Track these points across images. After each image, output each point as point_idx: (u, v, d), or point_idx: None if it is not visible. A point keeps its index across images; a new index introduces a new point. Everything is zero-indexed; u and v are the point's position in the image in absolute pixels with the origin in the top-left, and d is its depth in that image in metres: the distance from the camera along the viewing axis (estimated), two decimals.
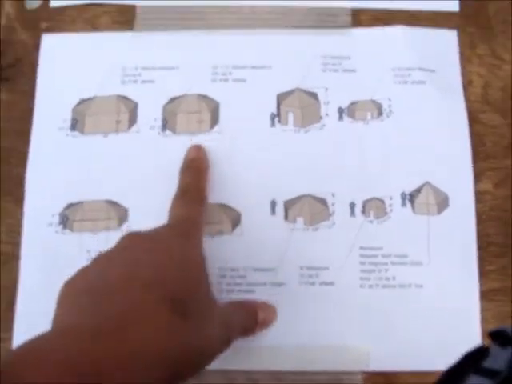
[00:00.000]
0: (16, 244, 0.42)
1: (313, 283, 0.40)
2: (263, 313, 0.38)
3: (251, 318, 0.37)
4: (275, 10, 0.46)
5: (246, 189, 0.42)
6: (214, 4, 0.46)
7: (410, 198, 0.42)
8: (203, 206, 0.38)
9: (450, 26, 0.45)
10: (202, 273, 0.33)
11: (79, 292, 0.28)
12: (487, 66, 0.45)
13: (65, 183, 0.42)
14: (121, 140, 0.43)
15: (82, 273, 0.30)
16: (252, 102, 0.43)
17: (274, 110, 0.43)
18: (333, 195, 0.42)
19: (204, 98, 0.43)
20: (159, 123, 0.43)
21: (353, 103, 0.43)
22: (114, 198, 0.42)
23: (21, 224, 0.42)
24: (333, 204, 0.41)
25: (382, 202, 0.41)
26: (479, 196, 0.42)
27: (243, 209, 0.41)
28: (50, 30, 0.46)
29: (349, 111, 0.43)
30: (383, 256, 0.41)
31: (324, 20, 0.45)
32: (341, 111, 0.43)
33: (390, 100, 0.43)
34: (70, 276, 0.30)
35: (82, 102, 0.44)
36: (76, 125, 0.43)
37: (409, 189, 0.42)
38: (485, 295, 0.40)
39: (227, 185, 0.42)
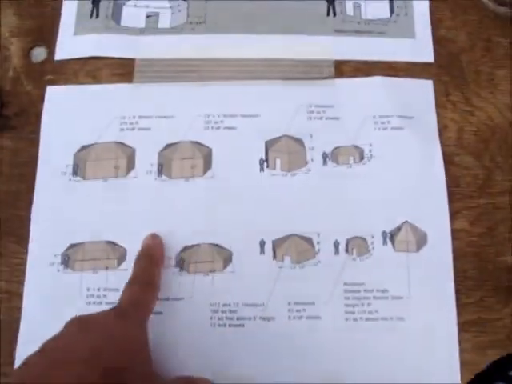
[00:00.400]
0: (19, 282, 0.44)
1: (300, 317, 0.42)
2: None
3: None
4: (264, 62, 0.48)
5: (236, 229, 0.44)
6: (207, 58, 0.48)
7: (391, 236, 0.44)
8: (154, 291, 0.41)
9: (425, 76, 0.48)
10: (141, 349, 0.36)
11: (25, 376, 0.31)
12: (461, 112, 0.48)
13: (67, 225, 0.45)
14: (120, 184, 0.45)
15: (30, 359, 0.32)
16: (242, 148, 0.46)
17: (263, 156, 0.46)
18: (318, 235, 0.44)
19: (197, 144, 0.46)
20: (155, 168, 0.45)
21: (336, 148, 0.46)
22: (114, 239, 0.44)
23: (24, 263, 0.44)
24: (318, 243, 0.44)
25: (365, 240, 0.44)
26: (455, 233, 0.44)
27: (234, 248, 0.44)
28: (53, 81, 0.48)
29: (332, 156, 0.46)
30: (366, 291, 0.43)
31: (309, 71, 0.48)
32: (325, 156, 0.46)
33: (371, 145, 0.46)
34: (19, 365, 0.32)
35: (83, 148, 0.46)
36: (77, 170, 0.46)
37: (389, 228, 0.44)
38: (462, 327, 0.42)
39: (219, 226, 0.44)
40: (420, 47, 0.49)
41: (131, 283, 0.40)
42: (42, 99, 0.48)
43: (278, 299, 0.43)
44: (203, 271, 0.43)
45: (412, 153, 0.46)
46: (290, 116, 0.47)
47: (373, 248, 0.44)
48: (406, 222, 0.44)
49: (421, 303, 0.43)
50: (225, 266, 0.43)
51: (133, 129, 0.47)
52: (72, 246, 0.44)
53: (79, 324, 0.35)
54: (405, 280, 0.43)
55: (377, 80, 0.48)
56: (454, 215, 0.45)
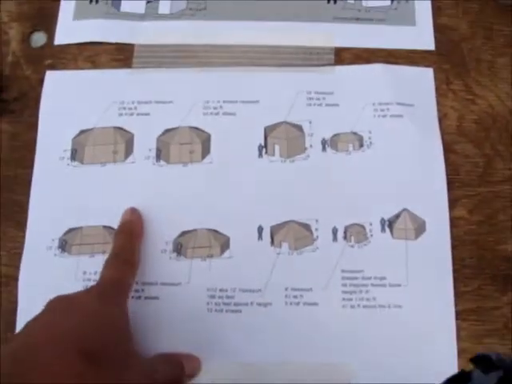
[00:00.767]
0: (17, 267, 0.44)
1: (297, 303, 0.42)
2: (188, 364, 0.40)
3: (176, 369, 0.39)
4: (264, 48, 0.48)
5: (234, 215, 0.44)
6: (207, 43, 0.48)
7: (389, 223, 0.44)
8: (133, 268, 0.41)
9: (426, 64, 0.48)
10: (120, 327, 0.36)
11: (5, 356, 0.31)
12: (461, 100, 0.47)
13: (65, 210, 0.45)
14: (118, 169, 0.45)
15: (13, 337, 0.34)
16: (241, 134, 0.46)
17: (262, 142, 0.46)
18: (316, 221, 0.44)
19: (196, 130, 0.46)
20: (153, 154, 0.45)
21: (335, 135, 0.46)
22: (111, 224, 0.44)
23: (22, 248, 0.44)
24: (316, 229, 0.44)
25: (363, 227, 0.44)
26: (454, 221, 0.44)
27: (232, 234, 0.44)
28: (53, 66, 0.49)
29: (331, 143, 0.46)
30: (363, 278, 0.43)
31: (309, 58, 0.48)
32: (324, 143, 0.46)
33: (370, 132, 0.46)
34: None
35: (82, 133, 0.46)
36: (76, 155, 0.46)
37: (388, 215, 0.44)
38: (460, 315, 0.42)
39: (217, 211, 0.44)
40: (421, 35, 0.49)
41: (111, 261, 0.40)
42: (41, 84, 0.48)
43: (275, 285, 0.43)
44: (200, 256, 0.43)
45: (411, 140, 0.46)
46: (290, 102, 0.47)
47: (371, 235, 0.44)
48: (405, 209, 0.44)
49: (419, 291, 0.43)
50: (222, 252, 0.43)
51: (131, 114, 0.47)
52: (70, 230, 0.44)
53: (59, 304, 0.35)
54: (403, 267, 0.43)
55: (377, 67, 0.48)
56: (453, 203, 0.45)
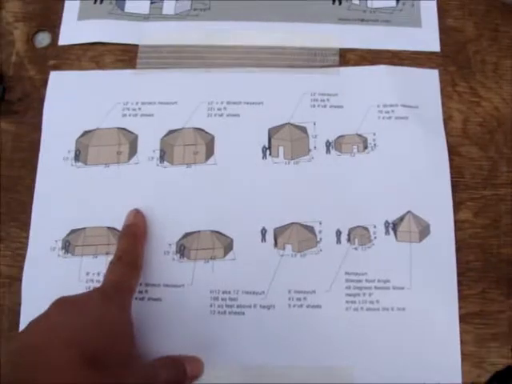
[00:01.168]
0: (20, 267, 0.44)
1: (300, 306, 0.42)
2: (191, 366, 0.39)
3: (179, 372, 0.38)
4: (268, 50, 0.48)
5: (238, 217, 0.44)
6: (211, 44, 0.48)
7: (393, 226, 0.44)
8: (137, 271, 0.41)
9: (431, 65, 0.48)
10: (123, 331, 0.36)
11: (5, 352, 0.31)
12: (466, 102, 0.47)
13: (68, 210, 0.45)
14: (122, 170, 0.45)
15: (14, 340, 0.33)
16: (245, 136, 0.46)
17: (266, 144, 0.46)
18: (320, 223, 0.44)
19: (200, 131, 0.46)
20: (157, 155, 0.45)
21: (339, 137, 0.46)
22: (115, 225, 0.44)
23: (25, 248, 0.44)
24: (320, 231, 0.44)
25: (367, 230, 0.44)
26: (459, 224, 0.44)
27: (235, 236, 0.43)
28: (57, 67, 0.48)
29: (336, 144, 0.45)
30: (367, 281, 0.43)
31: (313, 59, 0.48)
32: (328, 144, 0.45)
33: (374, 134, 0.46)
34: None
35: (85, 133, 0.46)
36: (80, 155, 0.46)
37: (392, 218, 0.44)
38: (464, 318, 0.42)
39: (220, 213, 0.44)
40: (426, 36, 0.49)
41: (114, 264, 0.40)
42: (45, 84, 0.48)
43: (279, 287, 0.42)
44: (204, 258, 0.43)
45: (416, 143, 0.45)
46: (294, 104, 0.46)
47: (375, 238, 0.43)
48: (409, 212, 0.44)
49: (422, 294, 0.42)
50: (225, 254, 0.43)
51: (135, 115, 0.46)
52: (73, 231, 0.44)
53: (62, 305, 0.35)
54: (407, 270, 0.43)
55: (382, 69, 0.47)
56: (457, 206, 0.45)
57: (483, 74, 0.48)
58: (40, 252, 0.44)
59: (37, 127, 0.47)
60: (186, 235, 0.44)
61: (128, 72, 0.48)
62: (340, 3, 0.49)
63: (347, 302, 0.42)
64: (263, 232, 0.43)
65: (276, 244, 0.43)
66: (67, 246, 0.44)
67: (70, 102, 0.47)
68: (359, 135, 0.46)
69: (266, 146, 0.45)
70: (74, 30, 0.49)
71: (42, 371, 0.30)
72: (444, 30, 0.49)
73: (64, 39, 0.49)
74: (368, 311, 0.42)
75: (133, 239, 0.42)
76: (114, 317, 0.36)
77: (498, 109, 0.47)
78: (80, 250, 0.44)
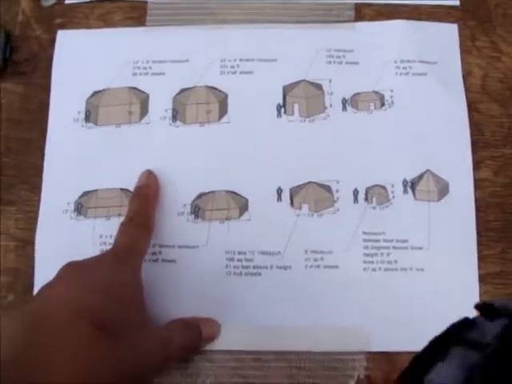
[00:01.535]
0: (33, 230, 0.43)
1: (318, 266, 0.42)
2: (206, 328, 0.39)
3: (194, 335, 0.39)
4: (281, 5, 0.47)
5: (253, 176, 0.43)
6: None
7: (412, 185, 0.43)
8: (148, 233, 0.40)
9: (450, 20, 0.47)
10: (134, 296, 0.36)
11: (16, 322, 0.31)
12: (486, 57, 0.46)
13: (80, 172, 0.44)
14: (133, 130, 0.44)
15: (24, 307, 0.33)
16: (259, 94, 0.45)
17: (280, 101, 0.44)
18: (337, 182, 0.43)
19: (213, 89, 0.45)
20: (169, 114, 0.44)
21: (356, 94, 0.45)
22: (127, 186, 0.43)
23: (37, 211, 0.44)
24: (337, 191, 0.43)
25: (385, 189, 0.43)
26: (479, 183, 0.43)
27: (250, 196, 0.43)
28: (64, 26, 0.47)
29: (352, 102, 0.44)
30: (385, 241, 0.42)
31: (328, 14, 0.47)
32: (344, 102, 0.44)
33: (392, 91, 0.45)
34: None
35: (95, 94, 0.45)
36: (90, 116, 0.45)
37: (410, 176, 0.43)
38: (483, 279, 0.42)
39: (235, 173, 0.43)
40: None
41: (125, 226, 0.39)
42: (52, 44, 0.47)
43: (295, 248, 0.42)
44: (219, 219, 0.42)
45: (435, 99, 0.44)
46: (309, 60, 0.45)
47: (393, 197, 0.43)
48: (428, 170, 0.43)
49: (441, 254, 0.42)
50: (241, 214, 0.42)
51: (146, 74, 0.46)
52: (85, 193, 0.44)
53: (73, 271, 0.35)
54: (425, 230, 0.42)
55: (399, 24, 0.46)
56: (477, 164, 0.44)
57: (504, 28, 0.47)
58: (52, 215, 0.43)
59: (45, 88, 0.46)
60: (201, 195, 0.43)
61: (138, 30, 0.47)
62: None
63: (365, 262, 0.42)
64: (279, 192, 0.43)
65: (292, 204, 0.43)
66: (79, 209, 0.43)
67: (79, 62, 0.46)
68: (376, 92, 0.45)
69: (281, 104, 0.44)
70: None
71: (54, 344, 0.30)
72: None
73: None
74: (386, 271, 0.42)
75: (144, 200, 0.41)
76: (125, 281, 0.36)
77: None
78: (93, 212, 0.43)
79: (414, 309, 0.41)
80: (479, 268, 0.42)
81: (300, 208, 0.42)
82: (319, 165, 0.43)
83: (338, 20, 0.47)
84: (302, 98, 0.44)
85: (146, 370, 0.33)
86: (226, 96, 0.45)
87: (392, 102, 0.44)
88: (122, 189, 0.43)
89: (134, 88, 0.45)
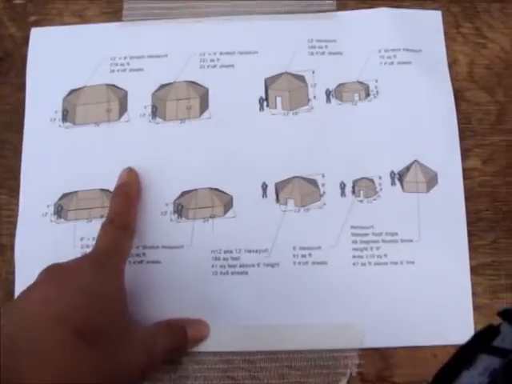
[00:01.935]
0: (12, 235, 0.42)
1: (306, 263, 0.41)
2: (193, 329, 0.39)
3: (178, 337, 0.38)
4: None
5: (236, 172, 0.42)
6: None
7: (399, 176, 0.42)
8: (130, 234, 0.39)
9: (434, 7, 0.46)
10: (116, 300, 0.35)
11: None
12: (472, 44, 0.45)
13: (59, 174, 0.43)
14: (112, 129, 0.43)
15: (5, 312, 0.31)
16: (240, 87, 0.44)
17: (263, 94, 0.44)
18: (323, 176, 0.42)
19: (193, 84, 0.44)
20: (149, 111, 0.43)
21: (340, 85, 0.44)
22: (108, 187, 0.42)
23: (15, 215, 0.42)
24: (323, 185, 0.42)
25: (372, 181, 0.42)
26: (467, 173, 0.43)
27: (235, 192, 0.42)
28: (38, 23, 0.46)
29: (336, 93, 0.44)
30: (374, 234, 0.41)
31: (309, 4, 0.46)
32: (328, 93, 0.43)
33: (376, 81, 0.44)
34: None
35: (72, 92, 0.44)
36: (67, 115, 0.44)
37: (398, 168, 0.42)
38: (475, 270, 0.41)
39: (218, 169, 0.42)
40: None
41: (106, 227, 0.38)
42: (26, 42, 0.46)
43: (283, 244, 0.41)
44: (203, 217, 0.41)
45: (420, 88, 0.44)
46: (291, 52, 0.44)
47: (381, 189, 0.42)
48: (416, 161, 0.42)
49: (432, 246, 0.41)
50: (225, 211, 0.42)
51: (124, 70, 0.44)
52: (65, 195, 0.42)
53: (54, 275, 0.34)
54: (415, 222, 0.41)
55: (382, 12, 0.45)
56: (465, 154, 0.43)
57: (489, 14, 0.46)
58: (31, 218, 0.42)
59: (20, 88, 0.45)
60: (184, 194, 0.42)
61: (114, 25, 0.46)
62: None
63: (354, 256, 0.41)
64: (264, 187, 0.42)
65: (278, 199, 0.42)
66: (59, 211, 0.42)
67: (54, 60, 0.45)
68: (360, 82, 0.44)
69: (263, 97, 0.44)
70: None
71: (33, 355, 0.29)
72: None
73: None
74: (376, 266, 0.41)
75: (125, 200, 0.40)
76: (107, 285, 0.35)
77: (505, 50, 0.45)
78: (73, 214, 0.42)
79: (405, 303, 0.40)
80: (470, 259, 0.41)
81: (286, 203, 0.42)
82: (304, 158, 0.42)
83: (320, 10, 0.46)
84: (284, 90, 0.43)
85: (129, 376, 0.33)
86: (206, 91, 0.44)
87: (377, 92, 0.43)
88: (102, 189, 0.42)
89: (112, 85, 0.44)
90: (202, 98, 0.43)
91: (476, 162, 0.43)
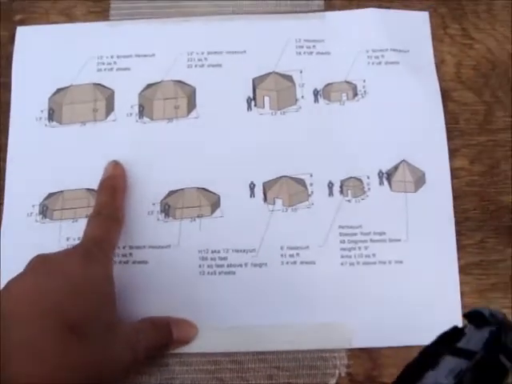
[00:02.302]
0: None
1: (294, 262, 0.40)
2: (179, 329, 0.38)
3: (162, 336, 0.37)
4: None
5: (224, 172, 0.42)
6: None
7: (387, 176, 0.42)
8: (118, 224, 0.39)
9: (421, 7, 0.46)
10: (105, 292, 0.35)
11: None
12: (459, 45, 0.45)
13: (44, 173, 0.42)
14: (99, 128, 0.43)
15: None
16: (228, 87, 0.44)
17: (250, 94, 0.44)
18: (311, 176, 0.42)
19: (180, 83, 0.44)
20: (136, 110, 0.43)
21: (328, 85, 0.44)
22: (94, 186, 0.42)
23: (0, 216, 0.42)
24: (311, 184, 0.42)
25: (360, 181, 0.42)
26: (455, 172, 0.43)
27: (222, 192, 0.42)
28: (24, 21, 0.46)
29: (324, 93, 0.44)
30: (362, 234, 0.41)
31: (297, 5, 0.46)
32: (316, 93, 0.43)
33: (364, 81, 0.44)
34: None
35: (59, 91, 0.44)
36: (53, 115, 0.43)
37: (386, 167, 0.42)
38: (463, 269, 0.41)
39: (205, 169, 0.42)
40: None
41: (93, 219, 0.38)
42: (11, 41, 0.45)
43: (270, 244, 0.41)
44: (190, 217, 0.41)
45: (408, 88, 0.44)
46: (278, 51, 0.44)
47: (369, 189, 0.42)
48: (403, 160, 0.42)
49: (420, 245, 0.41)
50: (213, 211, 0.41)
51: (111, 69, 0.44)
52: (50, 195, 0.42)
53: (41, 265, 0.33)
54: (403, 222, 0.41)
55: (369, 12, 0.45)
56: (453, 153, 0.43)
57: (476, 15, 0.46)
58: (16, 218, 0.42)
59: (6, 87, 0.45)
60: (171, 193, 0.42)
61: (101, 24, 0.46)
62: None
63: (342, 256, 0.41)
64: (251, 187, 0.42)
65: (265, 199, 0.42)
66: (45, 211, 0.42)
67: (40, 59, 0.45)
68: (348, 82, 0.44)
69: (251, 97, 0.44)
70: None
71: (19, 347, 0.29)
72: None
73: None
74: (364, 265, 0.41)
75: (112, 192, 0.40)
76: (96, 276, 0.34)
77: (491, 51, 0.45)
78: (59, 214, 0.42)
79: (393, 302, 0.40)
80: (459, 258, 0.41)
81: (273, 203, 0.41)
82: (292, 158, 0.42)
83: (308, 10, 0.46)
84: (272, 90, 0.43)
85: (113, 371, 0.32)
86: (194, 90, 0.44)
87: (365, 91, 0.44)
88: (88, 189, 0.42)
89: (99, 84, 0.44)
90: (189, 97, 0.43)
91: (463, 162, 0.43)
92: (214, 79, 0.44)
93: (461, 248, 0.41)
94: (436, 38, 0.45)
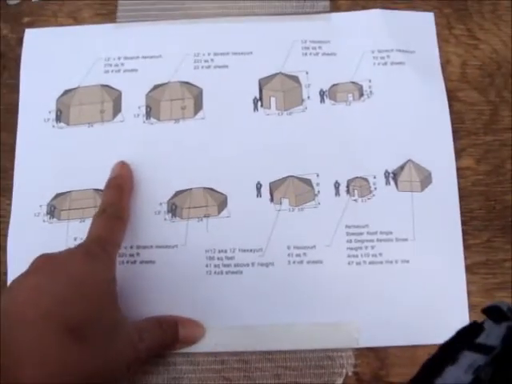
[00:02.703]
0: (4, 236, 0.42)
1: (301, 262, 0.41)
2: (185, 329, 0.38)
3: (167, 335, 0.37)
4: None
5: (231, 172, 0.42)
6: None
7: (394, 176, 0.42)
8: (122, 223, 0.39)
9: (426, 8, 0.46)
10: (107, 292, 0.35)
11: None
12: (464, 45, 0.45)
13: (52, 174, 0.43)
14: (106, 129, 0.43)
15: None
16: (234, 88, 0.44)
17: (257, 95, 0.44)
18: (317, 175, 0.42)
19: (187, 84, 0.44)
20: (143, 111, 0.44)
21: (334, 85, 0.44)
22: (101, 187, 0.42)
23: (8, 216, 0.42)
24: (317, 184, 0.42)
25: (366, 180, 0.42)
26: (461, 172, 0.43)
27: (229, 192, 0.42)
28: (32, 24, 0.46)
29: (330, 93, 0.44)
30: (369, 233, 0.41)
31: (303, 6, 0.46)
32: (322, 94, 0.44)
33: (370, 81, 0.44)
34: None
35: (66, 92, 0.44)
36: (61, 116, 0.44)
37: (392, 167, 0.42)
38: (469, 268, 0.41)
39: (212, 169, 0.42)
40: None
41: (98, 217, 0.38)
42: (20, 43, 0.46)
43: (277, 244, 0.41)
44: (197, 217, 0.41)
45: (414, 89, 0.44)
46: (285, 53, 0.44)
47: (375, 188, 0.42)
48: (410, 160, 0.42)
49: (426, 245, 0.41)
50: (220, 211, 0.41)
51: (118, 71, 0.45)
52: (58, 195, 0.42)
53: (45, 265, 0.33)
54: (409, 221, 0.41)
55: (375, 13, 0.46)
56: (459, 153, 0.43)
57: (481, 16, 0.46)
58: (24, 218, 0.42)
59: (14, 88, 0.45)
60: (178, 193, 0.42)
61: (108, 26, 0.46)
62: None
63: (349, 256, 0.41)
64: (258, 187, 0.42)
65: (272, 199, 0.42)
66: (52, 211, 0.42)
67: (48, 61, 0.45)
68: (354, 83, 0.44)
69: (257, 98, 0.44)
70: None
71: (21, 347, 0.29)
72: None
73: None
74: (371, 265, 0.41)
75: (118, 191, 0.40)
76: (98, 277, 0.34)
77: (497, 51, 0.45)
78: (66, 214, 0.42)
79: (400, 302, 0.40)
80: (465, 258, 0.41)
81: (280, 203, 0.41)
82: (298, 158, 0.42)
83: (313, 11, 0.46)
84: (278, 91, 0.44)
85: (115, 371, 0.32)
86: (200, 91, 0.44)
87: (371, 92, 0.44)
88: (95, 189, 0.42)
89: (107, 86, 0.44)
90: (196, 98, 0.44)
91: (469, 162, 0.43)
92: (221, 80, 0.44)
93: (467, 247, 0.41)
94: (441, 39, 0.45)
